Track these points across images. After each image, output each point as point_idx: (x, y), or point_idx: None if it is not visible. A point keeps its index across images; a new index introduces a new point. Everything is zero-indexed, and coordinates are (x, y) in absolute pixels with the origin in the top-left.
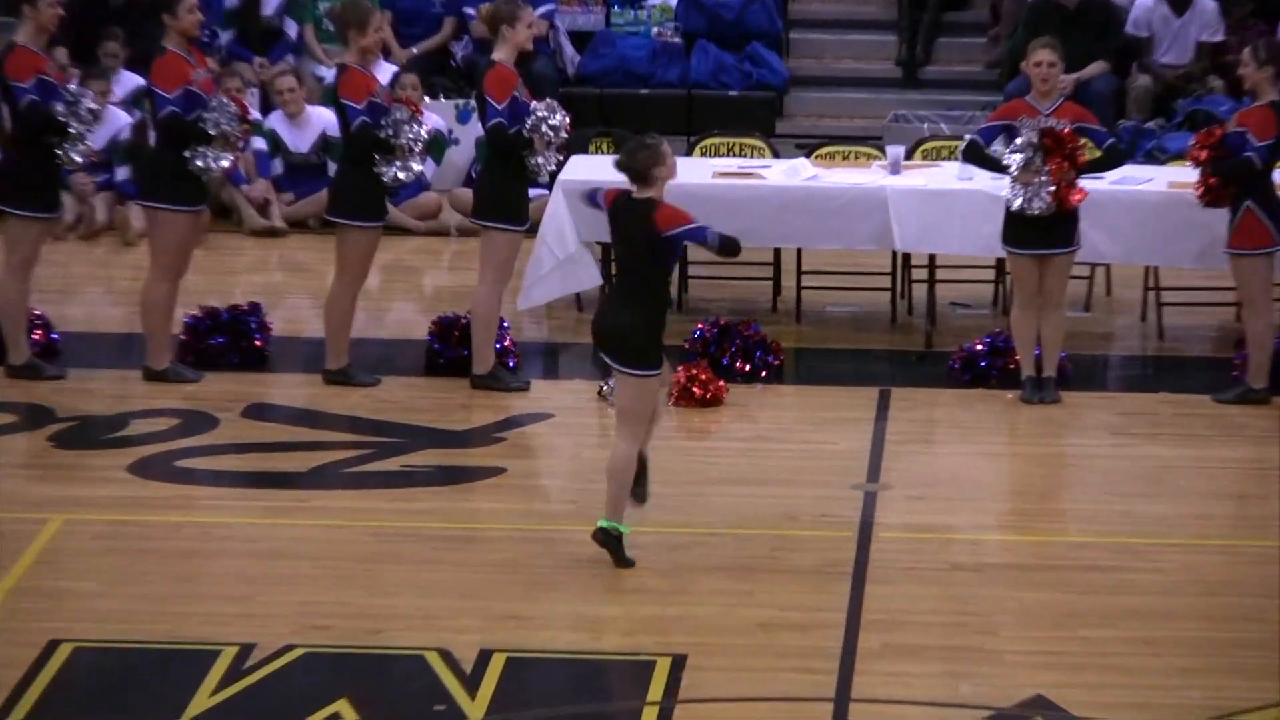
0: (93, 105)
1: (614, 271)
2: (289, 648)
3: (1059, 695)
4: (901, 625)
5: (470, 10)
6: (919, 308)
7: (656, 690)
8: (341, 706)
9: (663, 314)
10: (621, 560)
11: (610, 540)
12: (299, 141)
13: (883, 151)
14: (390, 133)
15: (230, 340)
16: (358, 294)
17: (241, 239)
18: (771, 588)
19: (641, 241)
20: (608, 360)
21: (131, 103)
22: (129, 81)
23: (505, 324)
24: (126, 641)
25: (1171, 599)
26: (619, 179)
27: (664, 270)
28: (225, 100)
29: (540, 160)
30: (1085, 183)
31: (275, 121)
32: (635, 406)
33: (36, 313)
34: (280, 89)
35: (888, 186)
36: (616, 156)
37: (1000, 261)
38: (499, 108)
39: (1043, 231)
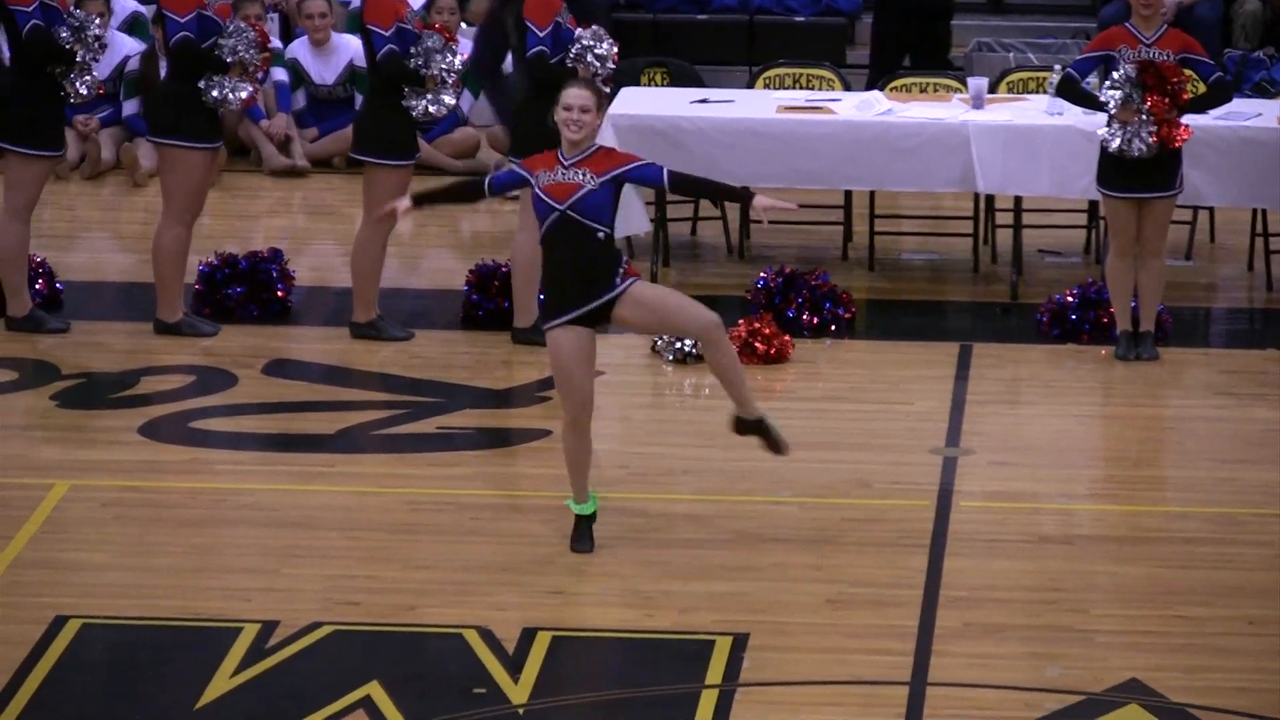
0: (99, 31)
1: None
2: (315, 625)
3: (1155, 679)
4: (984, 602)
5: None
6: (1004, 256)
7: (715, 672)
8: (372, 689)
9: None
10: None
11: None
12: (324, 72)
13: (964, 84)
14: (420, 62)
15: (249, 290)
16: (388, 240)
17: (261, 179)
18: (841, 561)
19: None
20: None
21: (128, 29)
22: (122, 8)
23: None
24: (138, 618)
25: (1278, 575)
26: (671, 113)
27: None
28: (243, 25)
29: None
30: (1188, 119)
31: (298, 50)
32: None
33: (38, 260)
34: (310, 13)
35: (970, 122)
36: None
37: (1093, 205)
38: (541, 35)
39: (1142, 173)
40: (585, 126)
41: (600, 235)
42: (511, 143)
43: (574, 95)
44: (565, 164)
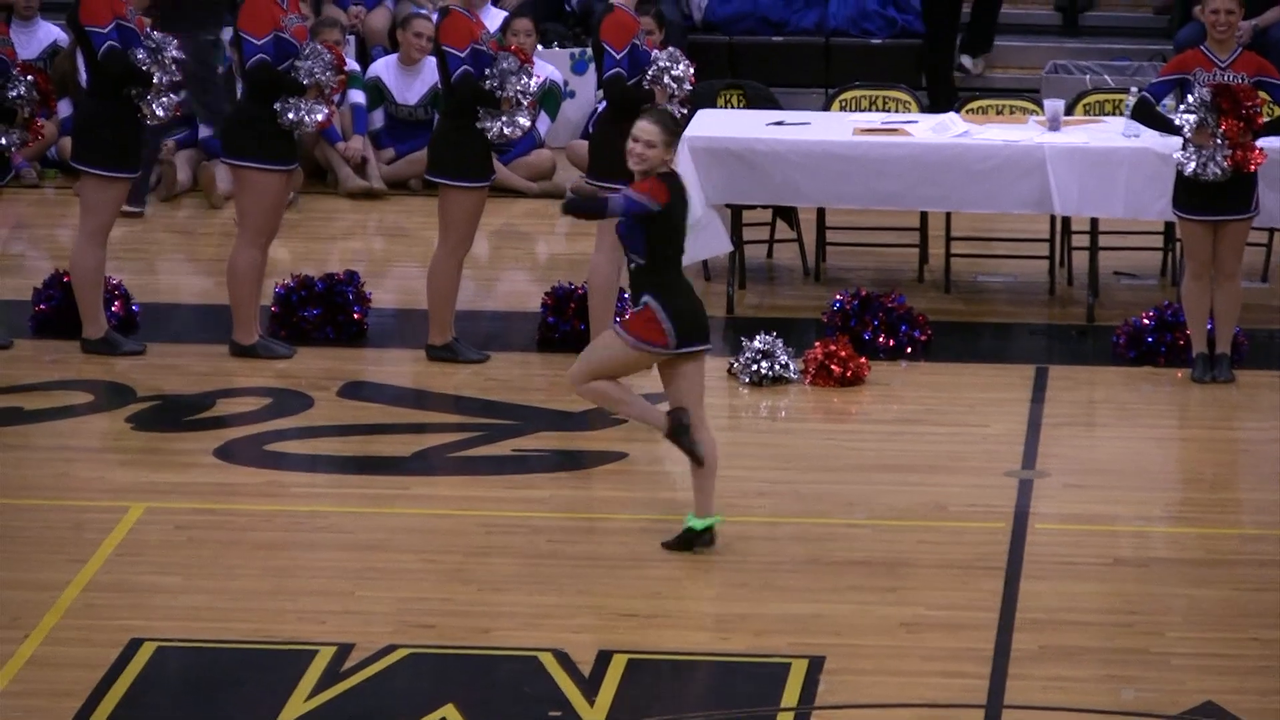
0: (176, 53)
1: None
2: (391, 648)
3: (1230, 702)
4: (1059, 625)
5: None
6: (1080, 278)
7: (791, 695)
8: (448, 712)
9: None
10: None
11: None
12: (407, 93)
13: (1040, 105)
14: (495, 84)
15: (325, 312)
16: (463, 261)
17: (337, 201)
18: (917, 584)
19: None
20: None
21: None
22: None
23: (625, 295)
24: (213, 641)
25: None
26: (747, 135)
27: None
28: (320, 48)
29: None
30: (1263, 142)
31: (381, 69)
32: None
33: (114, 282)
34: (419, 31)
35: (1046, 144)
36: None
37: (1169, 227)
38: (617, 56)
39: (1217, 195)
40: (646, 161)
41: (631, 265)
42: (590, 162)
43: (640, 128)
44: None
